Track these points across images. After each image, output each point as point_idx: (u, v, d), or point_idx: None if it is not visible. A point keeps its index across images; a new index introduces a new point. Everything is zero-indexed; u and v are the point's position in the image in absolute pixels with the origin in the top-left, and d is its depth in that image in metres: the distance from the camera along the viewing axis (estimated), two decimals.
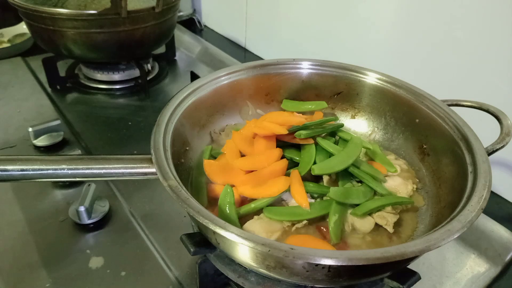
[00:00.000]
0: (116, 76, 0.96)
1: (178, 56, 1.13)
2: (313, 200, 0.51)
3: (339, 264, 0.34)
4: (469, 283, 0.55)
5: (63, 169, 0.41)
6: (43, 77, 0.95)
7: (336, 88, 0.65)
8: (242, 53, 1.18)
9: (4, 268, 0.53)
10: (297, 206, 0.49)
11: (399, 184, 0.54)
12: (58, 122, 0.76)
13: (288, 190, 0.50)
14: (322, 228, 0.48)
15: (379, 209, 0.50)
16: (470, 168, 0.46)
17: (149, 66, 1.02)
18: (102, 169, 0.42)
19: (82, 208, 0.57)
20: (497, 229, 0.60)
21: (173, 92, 0.70)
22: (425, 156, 0.57)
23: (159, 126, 0.48)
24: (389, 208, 0.50)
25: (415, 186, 0.55)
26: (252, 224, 0.47)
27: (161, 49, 1.09)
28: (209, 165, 0.54)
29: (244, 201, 0.51)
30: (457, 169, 0.49)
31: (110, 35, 0.84)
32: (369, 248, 0.45)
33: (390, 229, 0.48)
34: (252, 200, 0.50)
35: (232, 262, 0.45)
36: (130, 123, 0.84)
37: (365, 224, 0.48)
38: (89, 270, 0.53)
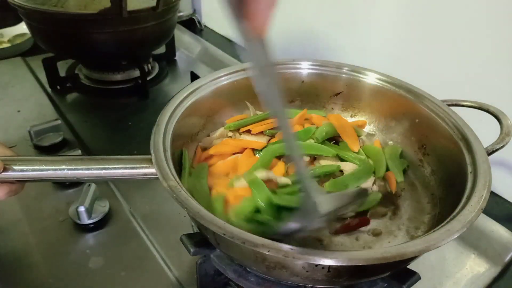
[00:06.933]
0: (116, 76, 0.96)
1: (178, 56, 1.13)
2: None
3: (339, 265, 0.34)
4: (469, 283, 0.55)
5: (63, 169, 0.41)
6: (43, 77, 0.94)
7: (336, 88, 0.65)
8: (242, 53, 1.18)
9: (4, 268, 0.53)
10: None
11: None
12: (58, 122, 0.76)
13: None
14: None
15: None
16: (470, 168, 0.46)
17: (149, 66, 1.02)
18: (102, 169, 0.42)
19: (82, 208, 0.57)
20: (497, 229, 0.60)
21: (173, 92, 0.70)
22: (425, 156, 0.57)
23: (159, 126, 0.48)
24: None
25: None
26: None
27: (161, 49, 1.08)
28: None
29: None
30: (457, 169, 0.49)
31: (110, 35, 0.84)
32: None
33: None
34: None
35: (232, 262, 0.45)
36: (130, 123, 0.84)
37: None
38: (89, 270, 0.53)
